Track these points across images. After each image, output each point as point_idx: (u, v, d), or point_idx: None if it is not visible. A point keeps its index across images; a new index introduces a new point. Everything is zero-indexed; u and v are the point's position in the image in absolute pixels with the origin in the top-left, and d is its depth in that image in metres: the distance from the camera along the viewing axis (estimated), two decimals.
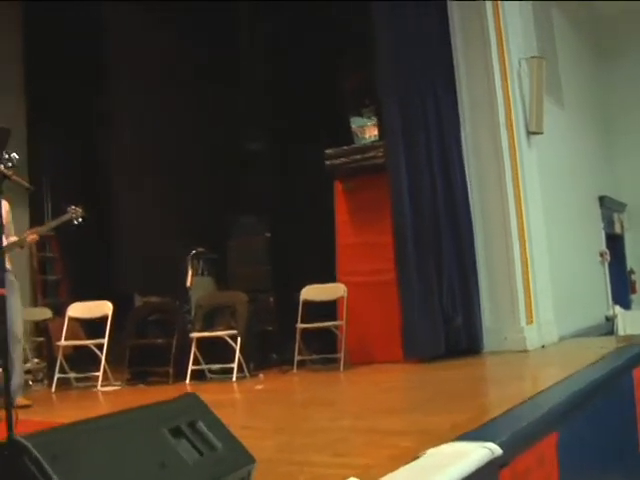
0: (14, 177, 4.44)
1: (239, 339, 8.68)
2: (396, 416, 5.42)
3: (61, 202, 12.10)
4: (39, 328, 10.63)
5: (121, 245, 12.45)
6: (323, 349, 9.34)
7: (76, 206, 8.03)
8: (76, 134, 12.14)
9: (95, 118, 12.50)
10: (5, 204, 7.76)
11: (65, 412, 7.25)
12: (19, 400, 7.57)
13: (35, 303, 11.69)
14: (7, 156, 4.45)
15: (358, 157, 9.29)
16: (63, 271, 12.20)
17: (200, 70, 11.83)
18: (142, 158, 12.19)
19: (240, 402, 7.24)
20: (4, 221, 7.70)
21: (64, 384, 9.18)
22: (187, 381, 8.70)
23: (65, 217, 8.05)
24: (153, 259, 11.43)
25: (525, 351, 8.85)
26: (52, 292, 12.12)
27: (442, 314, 8.78)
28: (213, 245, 10.95)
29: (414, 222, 8.82)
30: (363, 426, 5.17)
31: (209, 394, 7.97)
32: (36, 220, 11.84)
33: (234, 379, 8.53)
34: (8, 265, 7.79)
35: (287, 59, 10.81)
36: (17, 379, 7.61)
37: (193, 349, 8.77)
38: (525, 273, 9.24)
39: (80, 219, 8.01)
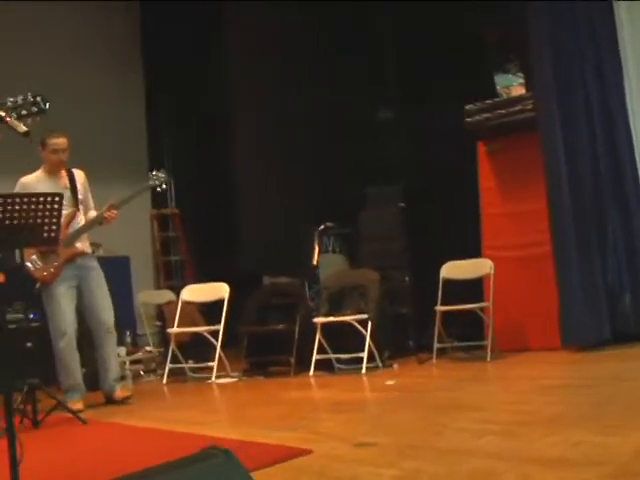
0: (8, 119, 3.22)
1: (369, 324, 7.33)
2: (559, 432, 3.94)
3: (183, 181, 11.19)
4: (160, 312, 9.57)
5: (248, 223, 11.20)
6: (467, 335, 7.85)
7: (158, 171, 6.89)
8: (198, 112, 11.02)
9: (216, 95, 11.32)
10: (80, 174, 6.78)
11: (157, 413, 6.07)
12: (118, 393, 6.62)
13: (158, 285, 10.68)
14: (31, 99, 3.27)
15: (503, 112, 7.73)
16: (187, 251, 11.11)
17: (324, 36, 10.43)
18: (267, 131, 10.92)
19: (364, 404, 5.86)
20: (79, 194, 6.62)
21: (179, 374, 8.08)
22: (311, 372, 7.41)
23: (146, 185, 6.92)
24: (282, 237, 10.16)
25: None
26: (177, 274, 11.07)
27: (607, 293, 7.17)
28: (345, 219, 9.56)
29: (571, 186, 7.22)
30: (516, 449, 3.72)
31: (330, 391, 6.67)
32: (158, 202, 10.88)
33: (364, 370, 7.19)
34: (86, 247, 6.72)
35: (419, 10, 9.22)
36: (112, 374, 6.62)
37: (317, 336, 7.47)
38: None
39: (164, 185, 6.88)
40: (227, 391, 7.23)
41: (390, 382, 6.45)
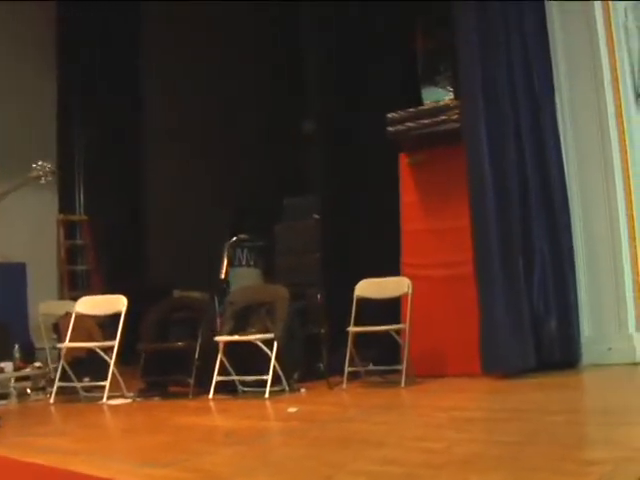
0: None
1: (275, 345, 6.58)
2: (470, 476, 3.25)
3: (93, 187, 10.35)
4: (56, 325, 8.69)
5: (160, 234, 10.33)
6: (383, 358, 7.13)
7: (44, 161, 6.05)
8: (109, 113, 10.19)
9: (130, 95, 10.50)
10: None
11: (26, 438, 5.21)
12: None
13: (62, 296, 9.79)
14: None
15: (426, 122, 7.08)
16: (95, 261, 10.23)
17: (243, 41, 9.66)
18: (182, 138, 10.08)
19: (258, 435, 5.04)
20: None
21: (72, 393, 7.23)
22: (210, 395, 6.63)
23: (28, 177, 6.00)
24: (195, 249, 9.38)
25: (634, 364, 6.52)
26: (82, 284, 10.18)
27: (532, 317, 6.53)
28: (262, 231, 8.77)
29: (497, 203, 6.60)
30: None
31: (226, 417, 5.75)
32: (66, 206, 10.05)
33: (267, 395, 6.43)
34: None
35: (345, 14, 8.49)
36: None
37: (219, 356, 6.69)
38: (635, 266, 6.89)
39: (49, 177, 6.07)
40: (115, 414, 6.41)
41: (292, 409, 5.69)
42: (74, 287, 10.00)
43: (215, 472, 3.75)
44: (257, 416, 5.76)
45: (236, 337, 6.72)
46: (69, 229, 10.17)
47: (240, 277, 8.75)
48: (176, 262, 9.74)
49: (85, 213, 10.21)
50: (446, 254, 7.14)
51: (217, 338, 6.72)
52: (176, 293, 9.11)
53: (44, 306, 8.86)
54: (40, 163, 6.01)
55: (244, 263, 8.93)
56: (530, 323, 6.48)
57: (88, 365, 7.38)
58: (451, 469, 3.43)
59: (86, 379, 7.37)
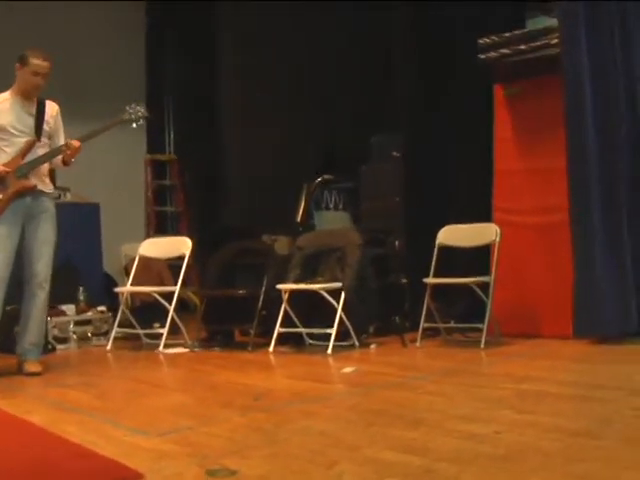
0: None
1: (343, 295, 5.79)
2: None
3: (183, 128, 9.72)
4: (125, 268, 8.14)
5: (249, 178, 9.39)
6: (468, 314, 6.21)
7: (137, 104, 5.53)
8: (201, 52, 9.41)
9: (216, 38, 9.64)
10: (52, 107, 5.44)
11: (53, 390, 4.63)
12: (27, 365, 5.26)
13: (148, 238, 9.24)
14: None
15: (524, 47, 6.01)
16: (184, 203, 9.60)
17: None
18: (268, 75, 9.02)
19: (288, 399, 4.11)
20: (46, 125, 5.35)
21: (133, 339, 6.70)
22: (271, 348, 5.92)
23: (120, 118, 5.48)
24: (284, 192, 8.53)
25: None
26: (172, 226, 9.59)
27: (635, 274, 5.47)
28: (351, 172, 7.84)
29: (599, 142, 5.52)
30: None
31: (269, 376, 5.08)
32: (155, 146, 9.47)
33: (329, 350, 5.66)
34: (44, 185, 5.40)
35: None
36: (30, 337, 5.29)
37: (283, 306, 5.96)
38: None
39: (141, 120, 5.54)
40: (161, 366, 5.78)
41: (348, 369, 4.89)
42: (162, 229, 9.39)
43: (206, 447, 3.05)
44: (304, 376, 4.94)
45: (301, 286, 5.95)
46: (157, 169, 9.56)
47: (328, 221, 7.98)
48: (265, 206, 8.93)
49: (175, 153, 9.60)
50: (544, 198, 6.11)
51: (280, 286, 5.97)
52: (265, 238, 8.40)
53: (127, 248, 8.38)
54: (133, 106, 5.51)
55: (332, 206, 8.11)
56: (633, 280, 5.42)
57: (157, 310, 6.78)
58: (480, 467, 2.61)
59: (156, 324, 6.81)
